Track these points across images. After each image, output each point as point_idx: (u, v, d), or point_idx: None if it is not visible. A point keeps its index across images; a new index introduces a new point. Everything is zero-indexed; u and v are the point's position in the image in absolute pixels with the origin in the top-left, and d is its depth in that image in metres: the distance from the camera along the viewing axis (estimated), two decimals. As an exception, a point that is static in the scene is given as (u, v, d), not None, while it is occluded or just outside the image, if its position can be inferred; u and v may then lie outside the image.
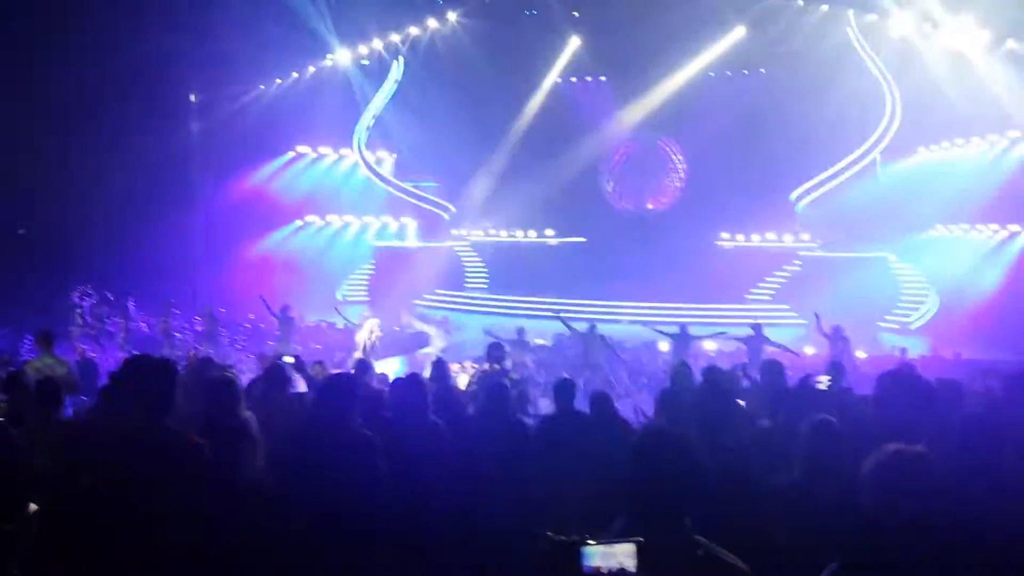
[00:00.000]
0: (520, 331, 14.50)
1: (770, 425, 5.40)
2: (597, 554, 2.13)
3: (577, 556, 2.12)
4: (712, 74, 21.87)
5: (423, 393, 5.52)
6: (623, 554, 2.15)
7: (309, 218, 23.98)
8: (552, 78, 23.11)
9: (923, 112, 19.09)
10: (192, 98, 21.53)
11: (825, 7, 19.72)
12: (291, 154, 23.48)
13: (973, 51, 18.03)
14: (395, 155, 23.89)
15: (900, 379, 5.07)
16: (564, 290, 20.58)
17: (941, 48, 18.34)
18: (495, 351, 10.22)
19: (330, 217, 24.27)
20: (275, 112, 21.80)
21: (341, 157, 24.01)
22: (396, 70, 22.87)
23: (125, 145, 17.84)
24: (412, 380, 5.85)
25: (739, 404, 6.27)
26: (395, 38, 22.10)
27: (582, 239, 23.29)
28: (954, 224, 19.91)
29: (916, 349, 17.52)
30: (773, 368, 7.08)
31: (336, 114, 22.73)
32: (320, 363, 10.09)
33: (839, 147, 21.14)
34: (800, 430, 3.97)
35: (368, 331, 16.61)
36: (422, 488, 4.61)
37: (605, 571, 2.11)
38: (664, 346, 16.22)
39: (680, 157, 22.62)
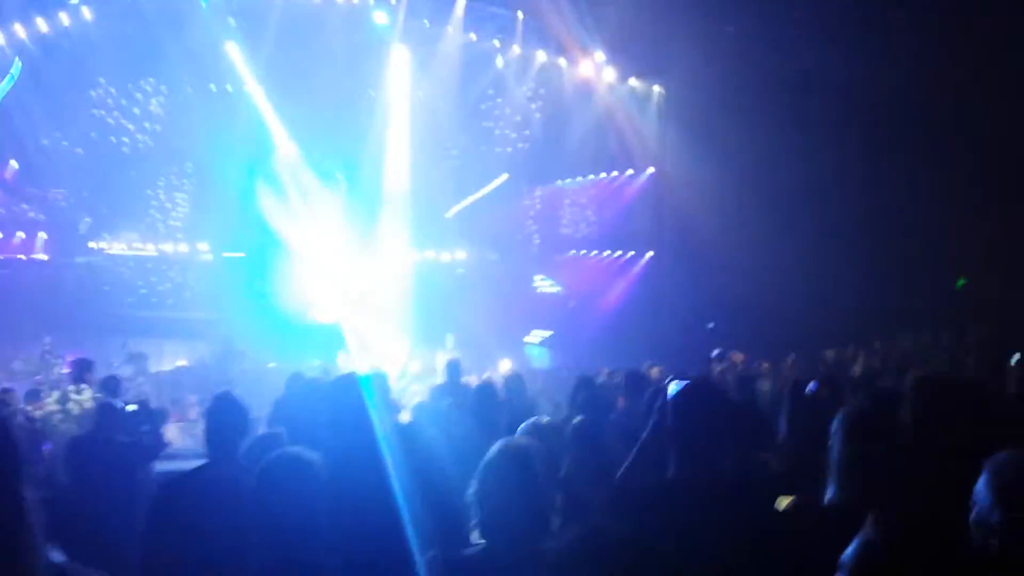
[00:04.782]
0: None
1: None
2: None
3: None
4: (372, 92, 21.67)
5: None
6: None
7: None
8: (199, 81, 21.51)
9: (563, 144, 20.63)
10: None
11: (473, 35, 20.22)
12: None
13: (601, 88, 19.87)
14: (15, 163, 20.90)
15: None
16: (220, 308, 19.56)
17: (575, 83, 20.00)
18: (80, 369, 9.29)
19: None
20: None
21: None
22: (16, 67, 20.06)
23: None
24: None
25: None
26: (18, 29, 19.35)
27: (240, 254, 22.15)
28: (584, 249, 21.75)
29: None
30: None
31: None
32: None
33: (493, 168, 22.18)
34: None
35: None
36: None
37: None
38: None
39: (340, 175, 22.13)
